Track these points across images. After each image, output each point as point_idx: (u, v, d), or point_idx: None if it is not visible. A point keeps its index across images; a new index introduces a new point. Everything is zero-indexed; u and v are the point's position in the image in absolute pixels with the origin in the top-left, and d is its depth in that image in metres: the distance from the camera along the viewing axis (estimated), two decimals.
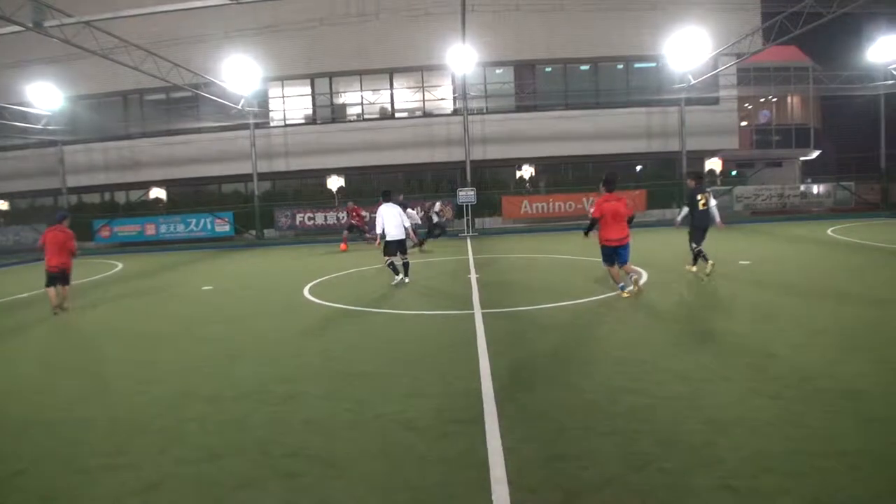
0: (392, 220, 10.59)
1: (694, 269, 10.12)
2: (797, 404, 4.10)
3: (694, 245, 9.91)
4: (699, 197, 9.86)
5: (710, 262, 9.54)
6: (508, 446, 3.64)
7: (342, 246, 18.85)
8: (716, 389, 4.49)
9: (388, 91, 26.89)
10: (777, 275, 9.96)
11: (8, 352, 7.34)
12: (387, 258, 10.77)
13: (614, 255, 8.35)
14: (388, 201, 10.81)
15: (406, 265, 10.96)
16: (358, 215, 20.30)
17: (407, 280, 10.78)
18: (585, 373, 5.07)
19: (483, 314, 7.68)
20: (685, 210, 10.05)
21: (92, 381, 5.69)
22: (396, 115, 27.03)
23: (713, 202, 9.96)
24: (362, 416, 4.33)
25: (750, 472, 3.20)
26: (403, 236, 10.78)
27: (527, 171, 26.81)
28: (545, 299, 8.55)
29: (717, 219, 9.91)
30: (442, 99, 26.68)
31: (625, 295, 8.31)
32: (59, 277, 9.51)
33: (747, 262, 11.44)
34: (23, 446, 4.14)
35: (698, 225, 9.87)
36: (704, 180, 10.23)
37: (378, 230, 10.78)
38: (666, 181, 25.17)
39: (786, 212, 24.64)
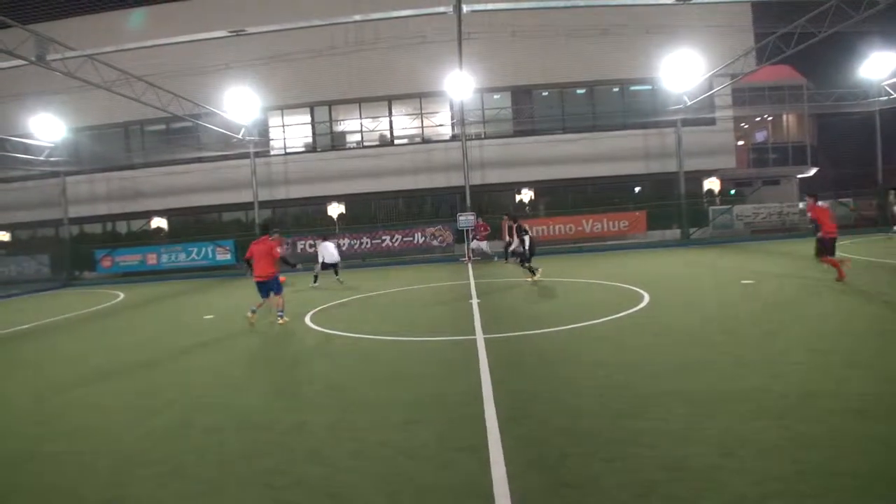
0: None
1: (534, 278, 13.37)
2: (803, 425, 4.07)
3: (527, 263, 13.40)
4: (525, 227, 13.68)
5: (536, 276, 13.31)
6: (512, 473, 3.61)
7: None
8: (721, 411, 4.45)
9: (387, 118, 27.16)
10: (780, 293, 9.95)
11: (7, 385, 7.30)
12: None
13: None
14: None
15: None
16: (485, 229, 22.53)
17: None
18: (588, 397, 5.03)
19: (485, 339, 7.66)
20: (527, 239, 13.34)
21: (92, 412, 5.65)
22: (396, 141, 27.24)
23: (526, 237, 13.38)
24: (365, 445, 4.30)
25: (758, 495, 3.16)
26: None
27: (526, 195, 26.91)
28: (547, 324, 8.53)
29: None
30: (440, 125, 26.91)
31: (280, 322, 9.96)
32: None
33: (750, 282, 11.42)
34: (23, 480, 4.11)
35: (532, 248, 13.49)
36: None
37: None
38: (665, 202, 25.25)
39: (786, 229, 24.66)
